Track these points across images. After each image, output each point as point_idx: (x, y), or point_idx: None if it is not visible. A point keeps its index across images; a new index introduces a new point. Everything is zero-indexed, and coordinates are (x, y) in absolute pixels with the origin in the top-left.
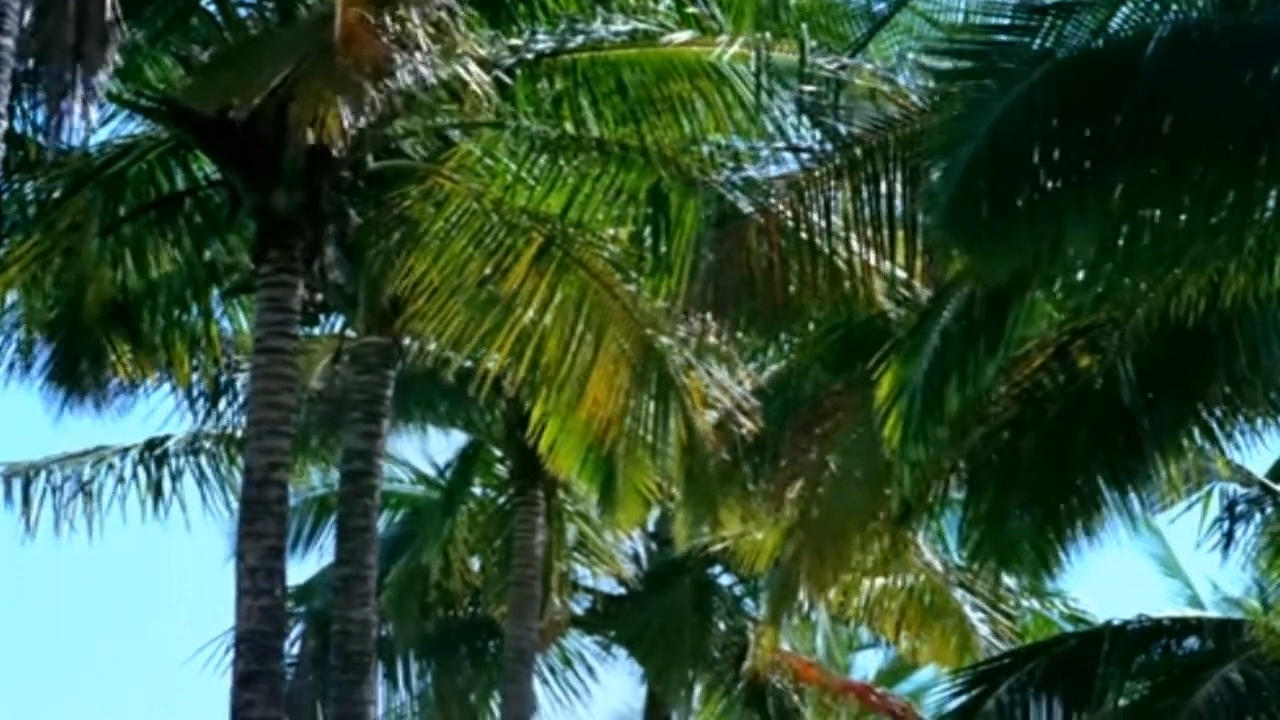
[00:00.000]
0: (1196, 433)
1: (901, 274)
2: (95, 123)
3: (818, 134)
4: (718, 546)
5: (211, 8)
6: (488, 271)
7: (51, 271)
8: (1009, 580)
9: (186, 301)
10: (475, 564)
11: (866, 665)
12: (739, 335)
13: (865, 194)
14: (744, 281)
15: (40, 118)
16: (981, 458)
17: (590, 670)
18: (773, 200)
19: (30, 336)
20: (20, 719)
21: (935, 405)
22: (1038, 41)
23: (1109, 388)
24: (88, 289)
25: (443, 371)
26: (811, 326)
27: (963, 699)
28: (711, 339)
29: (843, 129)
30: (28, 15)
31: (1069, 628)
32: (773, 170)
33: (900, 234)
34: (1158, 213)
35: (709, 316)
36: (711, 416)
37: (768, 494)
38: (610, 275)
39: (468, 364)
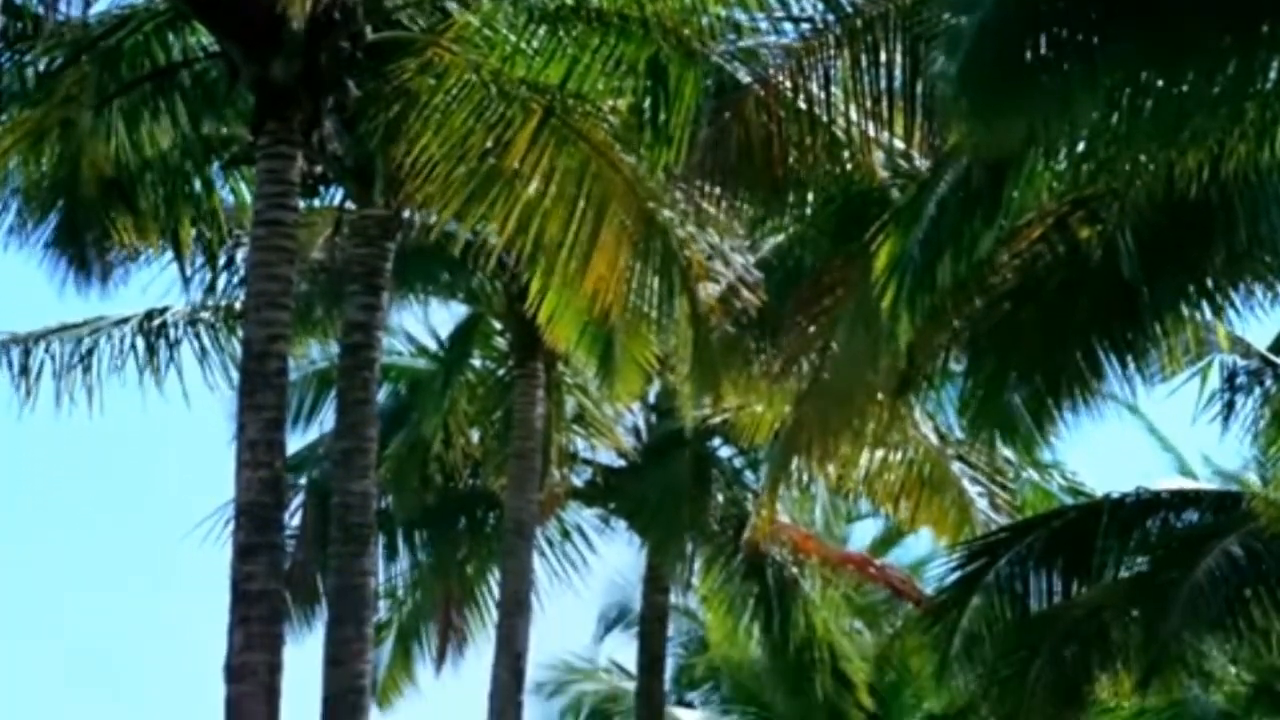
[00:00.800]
0: (1196, 305)
1: (900, 145)
2: None
3: (818, 4)
4: (717, 419)
5: None
6: (489, 145)
7: (50, 143)
8: (1007, 453)
9: (185, 174)
10: (475, 436)
11: (864, 537)
12: (739, 208)
13: (864, 64)
14: (742, 152)
15: None
16: (981, 328)
17: (589, 542)
18: (772, 71)
19: (30, 207)
20: (19, 592)
21: (931, 276)
22: None
23: (1109, 259)
24: (84, 161)
25: (444, 245)
26: (811, 199)
27: (962, 571)
28: (710, 209)
29: None
30: None
31: (1067, 500)
32: (772, 40)
33: (899, 105)
34: (1160, 82)
35: (708, 187)
36: (714, 289)
37: (769, 367)
38: (611, 148)
39: (468, 237)
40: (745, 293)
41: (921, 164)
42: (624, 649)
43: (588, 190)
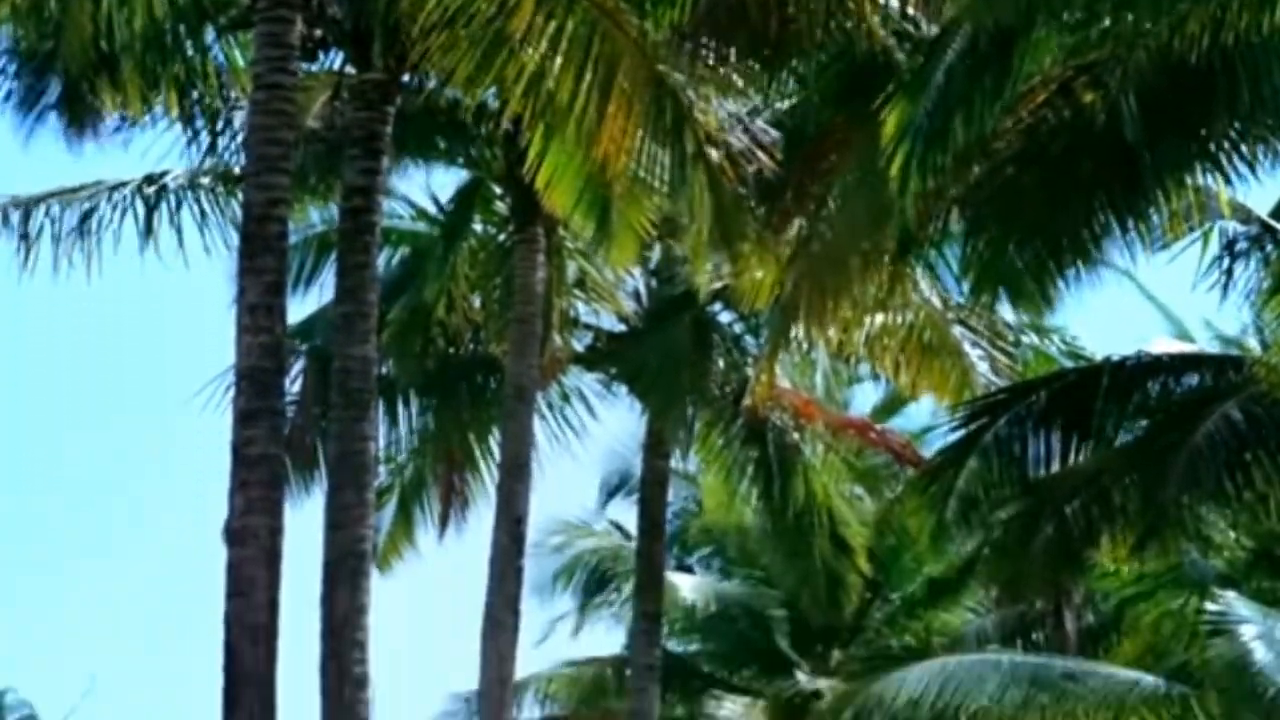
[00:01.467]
0: (1198, 168)
1: (896, 3)
2: None
3: None
4: (718, 284)
5: None
6: (493, 10)
7: (47, 7)
8: (1008, 316)
9: (181, 37)
10: (476, 301)
11: (865, 404)
12: (744, 67)
13: None
14: (741, 11)
15: None
16: (984, 192)
17: (590, 407)
18: None
19: (28, 68)
20: (21, 457)
21: (939, 143)
22: None
23: (1112, 123)
24: (75, 25)
25: (444, 110)
26: (812, 62)
27: (961, 432)
28: (711, 68)
29: None
30: None
31: (1068, 364)
32: None
33: None
34: None
35: (709, 45)
36: (723, 151)
37: (769, 228)
38: (619, 10)
39: (469, 101)
40: (760, 155)
41: (924, 23)
42: (624, 514)
43: (595, 53)
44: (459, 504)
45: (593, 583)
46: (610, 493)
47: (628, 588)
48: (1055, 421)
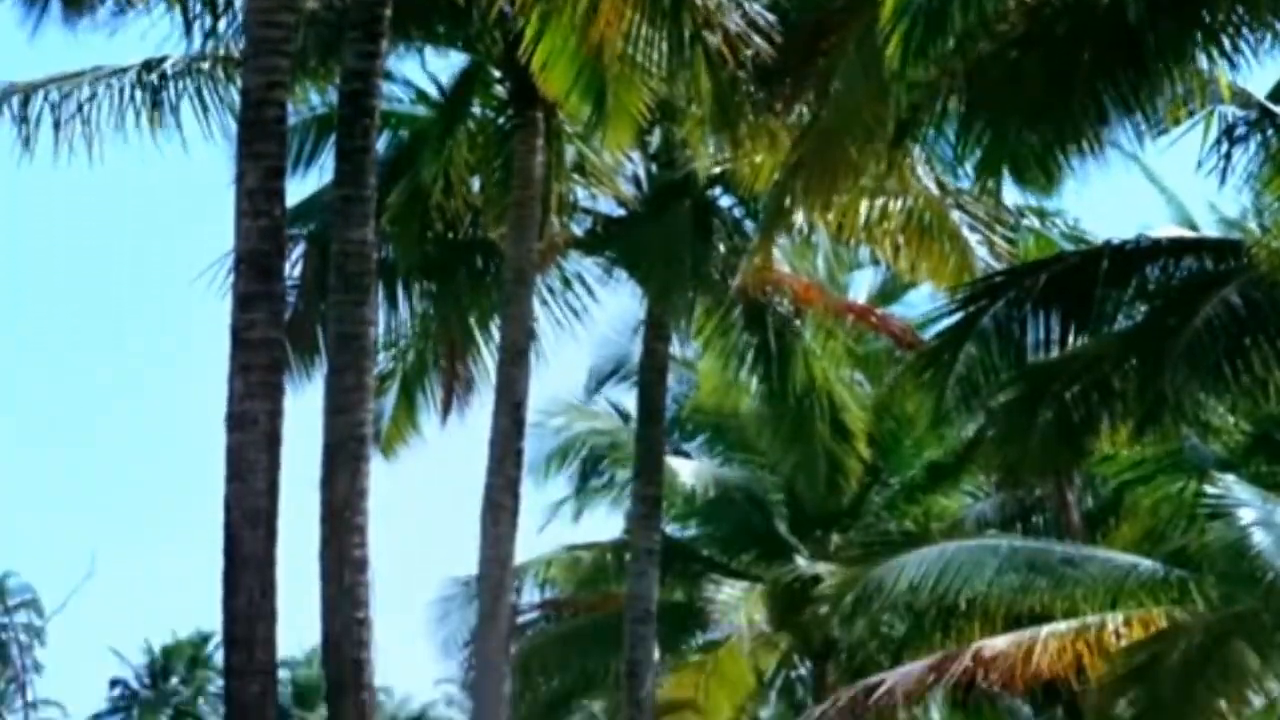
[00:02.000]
0: (1200, 51)
1: None
2: None
3: None
4: (718, 169)
5: None
6: None
7: None
8: (1008, 200)
9: None
10: (475, 185)
11: (864, 291)
12: None
13: None
14: None
15: None
16: (986, 75)
17: (590, 292)
18: None
19: None
20: (21, 343)
21: (938, 25)
22: None
23: (1115, 5)
24: None
25: None
26: None
27: (960, 315)
28: None
29: None
30: None
31: (1068, 248)
32: None
33: None
34: None
35: None
36: (720, 34)
37: (768, 111)
38: None
39: None
40: (758, 38)
41: None
42: (623, 399)
43: None
44: (460, 389)
45: (591, 466)
46: (601, 380)
47: (627, 472)
48: (1054, 305)
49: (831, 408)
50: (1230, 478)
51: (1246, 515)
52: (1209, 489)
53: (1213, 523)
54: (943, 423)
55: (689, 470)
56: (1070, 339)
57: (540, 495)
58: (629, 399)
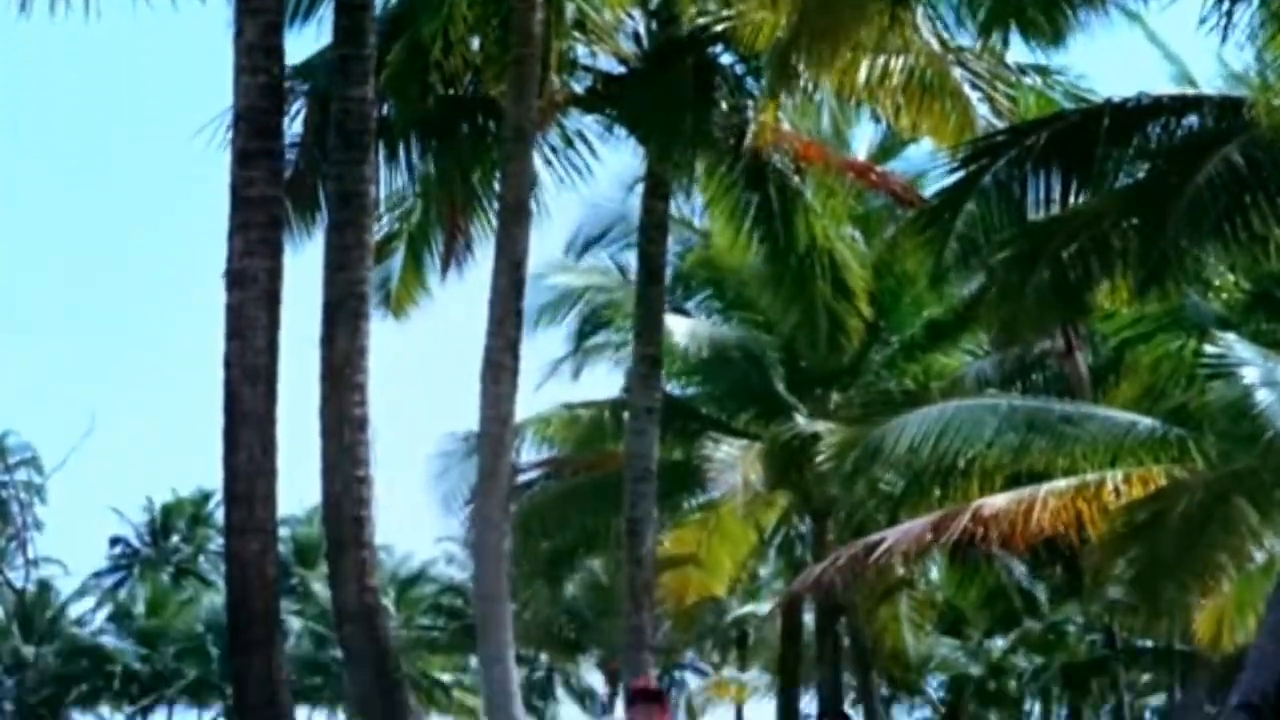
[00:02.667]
0: None
1: None
2: None
3: None
4: (719, 26)
5: None
6: None
7: None
8: (1009, 58)
9: None
10: (475, 43)
11: (865, 149)
12: None
13: None
14: None
15: None
16: None
17: (592, 150)
18: None
19: None
20: (20, 200)
21: None
22: None
23: None
24: None
25: None
26: None
27: (960, 174)
28: None
29: None
30: None
31: (1070, 107)
32: None
33: None
34: None
35: None
36: None
37: None
38: None
39: None
40: None
41: None
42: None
43: None
44: (461, 246)
45: (591, 325)
46: (588, 242)
47: (626, 331)
48: (1055, 164)
49: (832, 266)
50: (1230, 336)
51: (1247, 373)
52: (1209, 347)
53: (1213, 381)
54: (942, 281)
55: (688, 328)
56: (1071, 197)
57: (540, 352)
58: (627, 259)
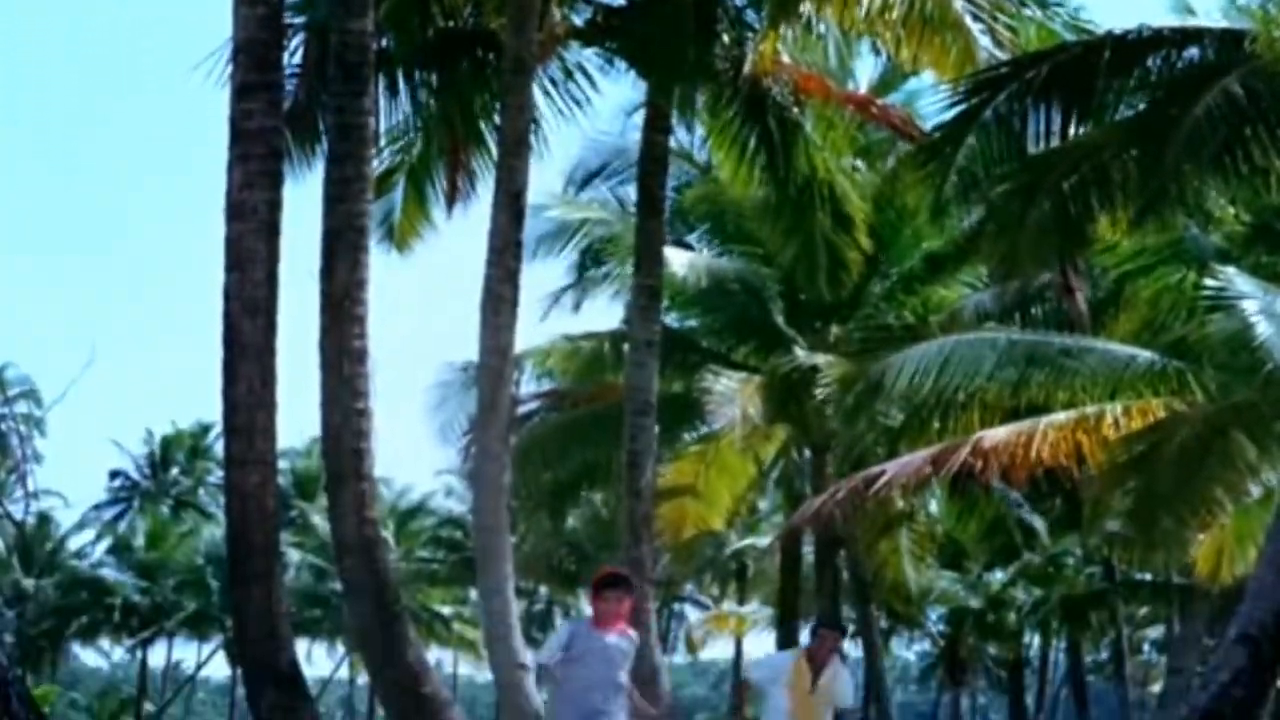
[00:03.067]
0: None
1: None
2: None
3: None
4: None
5: None
6: None
7: None
8: None
9: None
10: None
11: (863, 77)
12: None
13: None
14: None
15: None
16: None
17: (592, 82)
18: None
19: None
20: (20, 135)
21: None
22: None
23: None
24: None
25: None
26: None
27: (961, 108)
28: None
29: None
30: None
31: (1070, 39)
32: None
33: None
34: None
35: None
36: None
37: None
38: None
39: None
40: None
41: None
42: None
43: None
44: (464, 179)
45: (591, 257)
46: (587, 176)
47: (626, 264)
48: (1055, 96)
49: (832, 198)
50: (1230, 269)
51: (1247, 306)
52: (1209, 280)
53: (1212, 314)
54: (942, 214)
55: (687, 260)
56: (1071, 130)
57: (540, 285)
58: (627, 193)
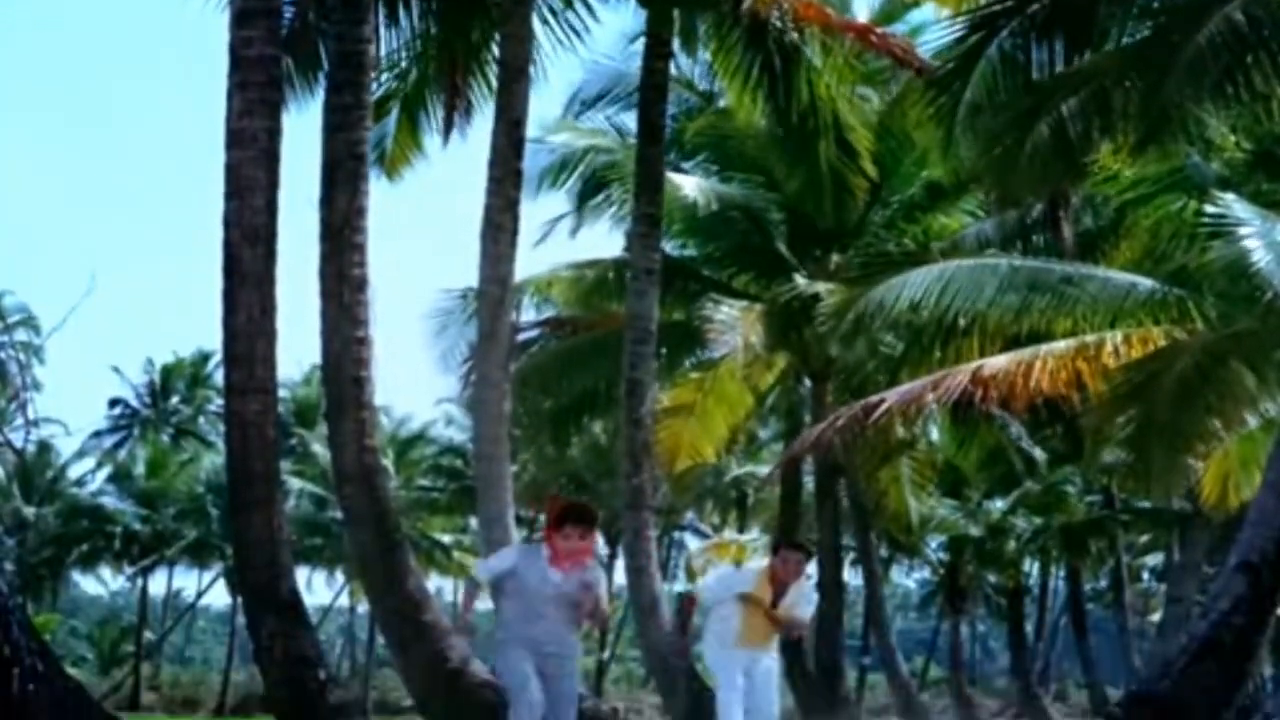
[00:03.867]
0: None
1: None
2: None
3: None
4: None
5: None
6: None
7: None
8: None
9: None
10: None
11: (863, 6)
12: None
13: None
14: None
15: None
16: None
17: (591, 10)
18: None
19: None
20: (19, 59)
21: None
22: None
23: None
24: None
25: None
26: None
27: (965, 43)
28: None
29: None
30: None
31: None
32: None
33: None
34: None
35: None
36: None
37: None
38: None
39: None
40: None
41: None
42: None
43: None
44: (461, 108)
45: (591, 184)
46: (586, 103)
47: (626, 192)
48: (1058, 27)
49: (836, 125)
50: (1231, 196)
51: (1247, 234)
52: (1209, 208)
53: (1213, 242)
54: (951, 149)
55: (689, 187)
56: (1075, 62)
57: (541, 216)
58: (626, 121)
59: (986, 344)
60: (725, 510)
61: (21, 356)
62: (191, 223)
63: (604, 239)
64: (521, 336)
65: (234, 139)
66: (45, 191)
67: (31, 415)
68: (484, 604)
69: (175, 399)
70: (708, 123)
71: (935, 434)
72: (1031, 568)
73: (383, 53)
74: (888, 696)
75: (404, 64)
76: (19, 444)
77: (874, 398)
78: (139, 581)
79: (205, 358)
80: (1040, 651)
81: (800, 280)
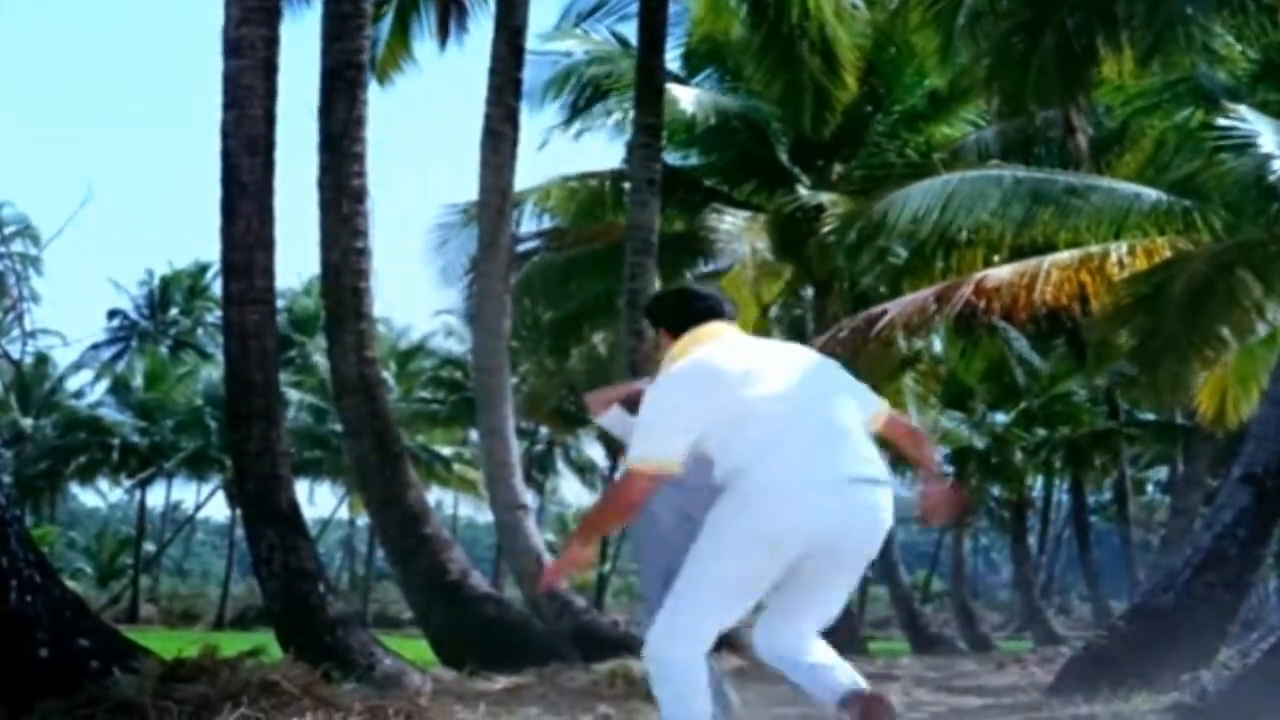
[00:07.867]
0: None
1: None
2: None
3: None
4: None
5: None
6: None
7: None
8: None
9: None
10: None
11: None
12: None
13: None
14: None
15: None
16: None
17: None
18: None
19: None
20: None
21: None
22: None
23: None
24: None
25: None
26: None
27: None
28: None
29: None
30: None
31: None
32: None
33: None
34: None
35: None
36: None
37: None
38: None
39: None
40: None
41: None
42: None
43: None
44: (457, 13)
45: (591, 94)
46: (583, 14)
47: (627, 103)
48: None
49: (822, 40)
50: (1243, 108)
51: (1255, 144)
52: (1217, 119)
53: (1220, 153)
54: (951, 55)
55: (689, 98)
56: None
57: (542, 129)
58: (626, 31)
59: (990, 255)
60: None
61: (19, 267)
62: (189, 132)
63: (604, 151)
64: (521, 248)
65: (232, 47)
66: (43, 100)
67: (29, 326)
68: (484, 515)
69: (174, 310)
70: (703, 33)
71: (938, 345)
72: (1035, 480)
73: None
74: (889, 609)
75: None
76: (16, 355)
77: (877, 309)
78: (137, 494)
79: (204, 269)
80: (1043, 565)
81: (803, 191)
